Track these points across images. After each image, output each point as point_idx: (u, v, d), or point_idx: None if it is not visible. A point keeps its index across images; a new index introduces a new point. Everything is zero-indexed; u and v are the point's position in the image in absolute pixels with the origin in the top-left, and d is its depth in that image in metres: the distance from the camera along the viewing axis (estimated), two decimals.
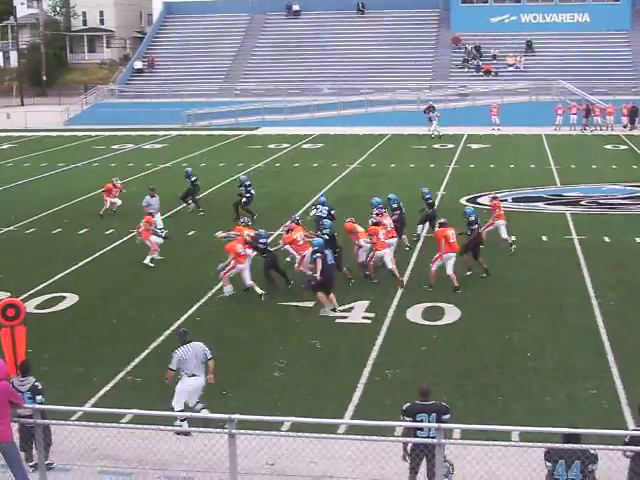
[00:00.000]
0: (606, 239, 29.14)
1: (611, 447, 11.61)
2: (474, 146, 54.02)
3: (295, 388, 17.41)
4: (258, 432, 12.60)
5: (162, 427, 12.95)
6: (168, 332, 20.68)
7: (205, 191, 38.21)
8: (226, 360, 18.94)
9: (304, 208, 33.15)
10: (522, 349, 19.25)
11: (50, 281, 25.34)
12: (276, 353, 19.32)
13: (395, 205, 27.97)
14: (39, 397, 13.50)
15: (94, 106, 76.99)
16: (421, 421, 12.32)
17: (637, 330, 20.28)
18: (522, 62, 75.23)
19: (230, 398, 16.88)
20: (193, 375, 15.40)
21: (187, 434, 14.66)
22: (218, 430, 12.56)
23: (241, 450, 12.61)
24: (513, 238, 27.98)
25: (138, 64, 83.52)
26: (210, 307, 22.70)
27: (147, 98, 75.85)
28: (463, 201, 35.62)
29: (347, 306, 22.32)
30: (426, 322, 21.15)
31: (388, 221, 25.71)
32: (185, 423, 14.98)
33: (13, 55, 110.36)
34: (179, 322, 21.38)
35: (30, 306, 22.04)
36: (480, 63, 75.79)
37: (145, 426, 13.03)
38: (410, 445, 12.41)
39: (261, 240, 23.93)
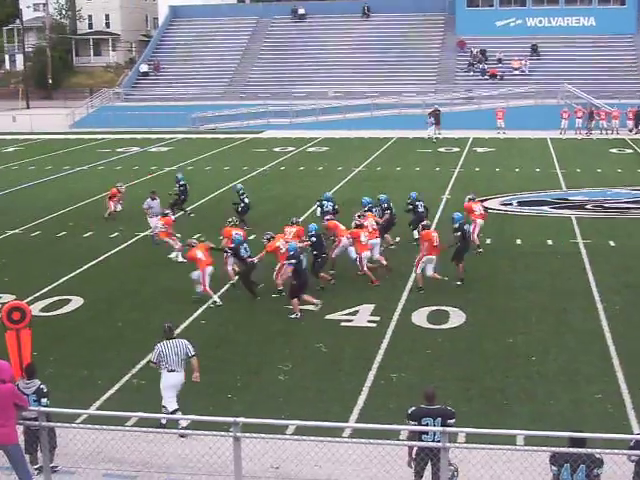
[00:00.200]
0: (611, 243, 29.12)
1: (616, 451, 11.60)
2: (479, 150, 54.01)
3: (300, 391, 17.41)
4: (263, 435, 12.59)
5: (167, 430, 12.96)
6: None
7: (211, 194, 38.24)
8: (231, 363, 19.00)
9: (309, 211, 33.12)
10: (526, 353, 19.24)
11: (55, 284, 25.37)
12: (281, 356, 19.33)
13: (385, 205, 28.18)
14: (44, 400, 13.51)
15: (100, 109, 77.06)
16: (426, 425, 12.31)
17: None
18: (527, 66, 75.17)
19: (235, 401, 16.90)
20: (172, 371, 15.52)
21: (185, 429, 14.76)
22: (223, 433, 12.57)
23: (246, 453, 12.62)
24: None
25: (144, 67, 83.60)
26: (215, 310, 22.70)
27: (153, 101, 75.90)
28: None
29: (352, 309, 22.33)
30: (431, 326, 21.15)
31: (370, 222, 25.90)
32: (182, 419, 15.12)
33: (19, 58, 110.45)
34: (184, 325, 21.40)
35: (35, 309, 22.10)
36: (485, 67, 75.74)
37: (150, 429, 13.05)
38: (415, 449, 12.41)
39: (240, 247, 23.86)
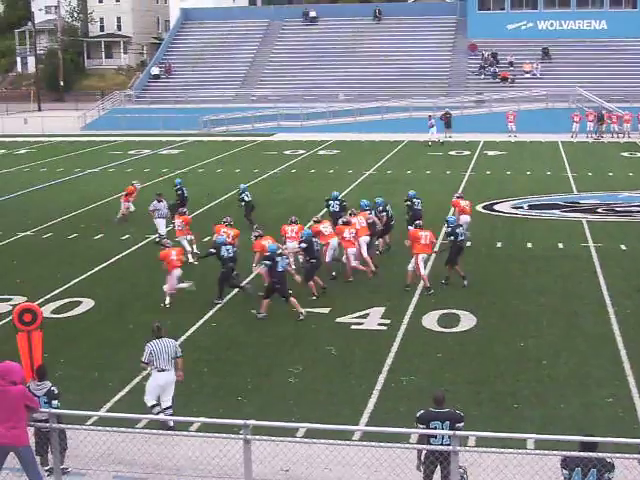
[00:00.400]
0: (622, 247, 29.05)
1: (627, 456, 11.57)
2: (490, 153, 53.96)
3: (310, 394, 17.41)
4: (273, 438, 12.60)
5: (177, 432, 12.97)
6: (184, 337, 20.73)
7: (221, 197, 38.31)
8: (241, 365, 19.01)
9: (320, 214, 33.08)
10: (537, 356, 19.21)
11: (66, 286, 25.43)
12: (291, 359, 19.33)
13: (380, 208, 28.27)
14: (55, 402, 13.53)
15: (111, 112, 77.16)
16: (435, 429, 12.31)
17: None
18: (539, 69, 75.02)
19: (245, 404, 16.91)
20: (163, 370, 15.64)
21: (171, 426, 14.94)
22: (233, 436, 12.58)
23: (256, 456, 12.63)
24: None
25: (155, 70, 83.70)
26: (226, 313, 22.72)
27: (164, 104, 75.99)
28: (479, 208, 35.58)
29: (363, 312, 22.33)
30: (442, 329, 21.12)
31: (357, 220, 26.22)
32: (161, 414, 15.36)
33: (31, 61, 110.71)
34: (195, 327, 21.44)
35: (47, 311, 22.14)
36: (497, 70, 75.63)
37: (160, 431, 13.06)
38: (424, 453, 12.40)
39: (222, 248, 23.79)
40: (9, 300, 23.87)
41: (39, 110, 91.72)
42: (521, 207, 35.90)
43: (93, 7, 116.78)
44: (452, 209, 30.57)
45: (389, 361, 19.07)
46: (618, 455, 11.31)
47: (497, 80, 74.77)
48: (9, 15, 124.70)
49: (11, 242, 31.37)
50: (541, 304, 22.97)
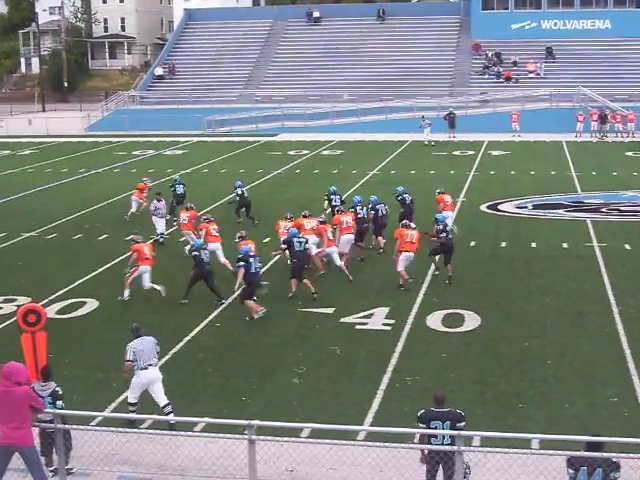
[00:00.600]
0: (627, 246, 29.03)
1: (632, 455, 11.56)
2: (494, 153, 53.94)
3: (315, 394, 17.40)
4: (278, 438, 12.60)
5: (182, 433, 12.97)
6: (188, 338, 20.75)
7: (225, 197, 38.30)
8: (245, 366, 19.01)
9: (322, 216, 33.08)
10: (542, 356, 19.20)
11: (71, 286, 25.45)
12: (295, 359, 19.33)
13: (370, 206, 28.54)
14: (59, 402, 13.54)
15: (115, 112, 77.24)
16: (435, 428, 12.32)
17: None
18: (543, 69, 75.03)
19: (249, 404, 16.91)
20: (147, 367, 15.85)
21: (132, 422, 14.93)
22: (237, 436, 12.57)
23: (261, 456, 12.63)
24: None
25: (159, 70, 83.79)
26: (230, 313, 22.72)
27: (168, 104, 76.05)
28: (483, 208, 35.59)
29: (367, 312, 22.33)
30: (446, 329, 21.12)
31: (345, 218, 26.73)
32: (134, 413, 15.51)
33: (35, 61, 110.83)
34: (199, 328, 21.45)
35: (51, 311, 22.17)
36: (501, 70, 75.64)
37: (165, 432, 13.06)
38: (426, 452, 12.41)
39: (201, 251, 23.86)
40: (14, 301, 23.89)
41: (43, 111, 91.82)
42: (525, 207, 35.87)
43: (97, 8, 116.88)
44: (440, 205, 30.44)
45: (393, 361, 19.07)
46: (623, 455, 11.29)
47: (501, 80, 74.79)
48: (13, 16, 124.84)
49: (15, 243, 31.40)
50: (545, 304, 22.96)
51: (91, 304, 23.73)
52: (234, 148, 59.25)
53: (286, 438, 12.75)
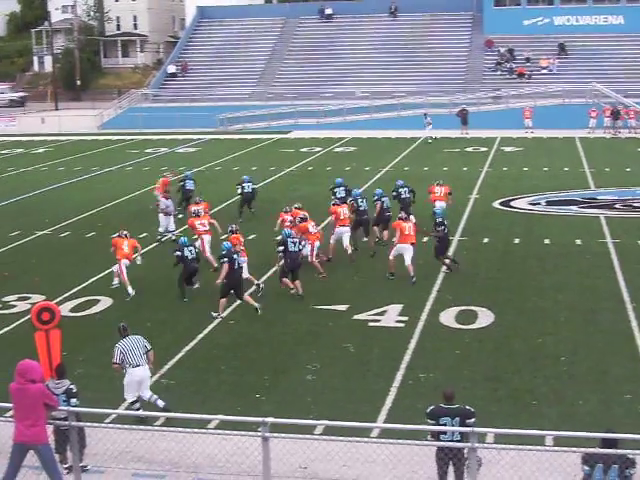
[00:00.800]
0: None
1: None
2: (507, 149, 53.85)
3: (328, 391, 17.41)
4: (291, 435, 12.60)
5: (195, 430, 12.99)
6: (201, 335, 20.79)
7: (238, 195, 38.26)
8: (259, 363, 19.03)
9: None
10: (555, 353, 19.17)
11: (84, 284, 25.51)
12: (309, 356, 19.35)
13: (375, 197, 29.06)
14: (73, 400, 13.57)
15: (128, 110, 77.37)
16: (444, 424, 12.35)
17: None
18: (555, 65, 74.88)
19: (263, 401, 16.93)
20: (137, 366, 16.06)
21: (143, 419, 15.11)
22: (251, 433, 12.59)
23: (274, 453, 12.63)
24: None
25: (171, 68, 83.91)
26: (243, 310, 22.73)
27: (180, 102, 76.17)
28: (496, 204, 35.53)
29: (380, 309, 22.33)
30: (459, 326, 21.10)
31: (341, 209, 27.47)
32: (140, 410, 15.86)
33: (48, 60, 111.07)
34: (212, 325, 21.47)
35: (65, 309, 22.21)
36: (513, 66, 75.53)
37: (178, 429, 13.08)
38: (436, 450, 12.44)
39: (185, 249, 24.07)
40: (27, 299, 23.97)
41: (56, 109, 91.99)
42: (538, 203, 35.80)
43: (109, 6, 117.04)
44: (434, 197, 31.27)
45: (407, 358, 19.07)
46: (638, 452, 11.26)
47: (514, 76, 74.67)
48: (26, 15, 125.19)
49: (29, 241, 31.49)
50: (559, 300, 22.92)
51: (105, 302, 23.78)
52: (247, 145, 59.29)
53: (300, 435, 12.75)
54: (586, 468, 11.15)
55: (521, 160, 48.73)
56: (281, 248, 23.87)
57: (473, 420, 12.41)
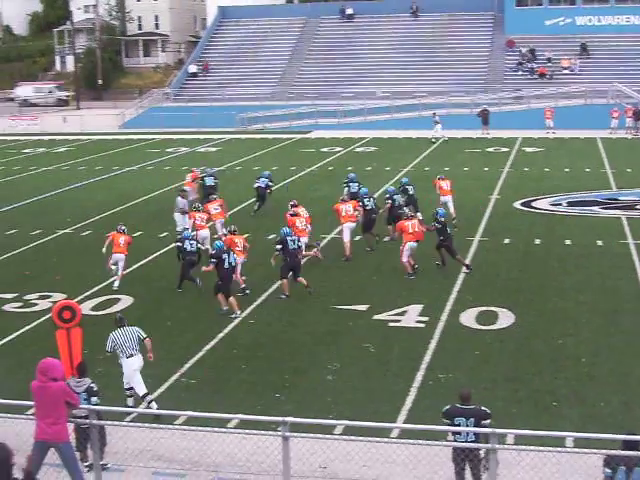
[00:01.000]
0: None
1: None
2: (528, 149, 53.67)
3: (348, 391, 17.41)
4: (311, 435, 12.61)
5: (216, 429, 13.00)
6: (222, 335, 20.82)
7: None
8: (279, 362, 19.05)
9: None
10: (576, 354, 19.10)
11: (105, 283, 25.57)
12: (329, 356, 19.35)
13: (387, 196, 29.82)
14: (94, 398, 13.64)
15: (149, 110, 77.57)
16: (459, 425, 12.36)
17: None
18: (577, 65, 74.60)
19: (283, 401, 16.94)
20: (131, 356, 16.40)
21: (157, 417, 15.38)
22: (271, 433, 12.60)
23: (294, 453, 12.64)
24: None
25: (192, 68, 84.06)
26: (263, 309, 22.78)
27: (201, 102, 76.28)
28: (517, 205, 35.42)
29: (400, 310, 22.31)
30: (480, 326, 21.06)
31: (345, 206, 28.00)
32: (153, 403, 16.27)
33: (70, 59, 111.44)
34: (233, 324, 21.50)
35: (86, 308, 22.28)
36: (534, 66, 75.27)
37: (199, 428, 13.10)
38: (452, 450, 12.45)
39: (186, 241, 24.73)
40: (49, 297, 24.07)
41: (78, 109, 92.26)
42: (560, 204, 35.67)
43: (131, 6, 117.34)
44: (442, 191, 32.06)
45: (427, 358, 19.04)
46: None
47: (535, 76, 74.41)
48: (48, 14, 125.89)
49: (50, 240, 31.62)
50: (580, 301, 22.84)
51: (125, 301, 23.85)
52: (267, 145, 59.34)
53: (320, 435, 12.76)
54: (607, 470, 11.10)
55: (542, 160, 48.58)
56: (279, 247, 24.01)
57: (488, 421, 12.41)
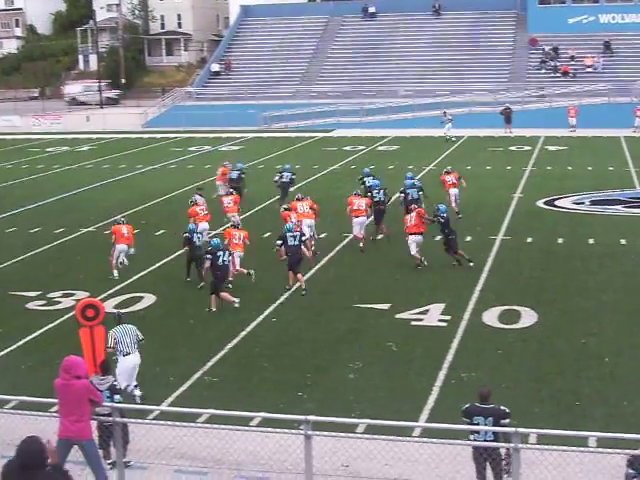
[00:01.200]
0: None
1: None
2: (551, 148, 53.50)
3: (370, 390, 17.41)
4: (333, 434, 12.62)
5: (238, 427, 13.03)
6: (244, 333, 20.85)
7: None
8: (301, 361, 19.06)
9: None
10: (599, 354, 19.03)
11: (128, 281, 25.67)
12: (351, 355, 19.35)
13: (402, 189, 30.71)
14: (117, 396, 13.69)
15: (172, 108, 77.79)
16: (477, 424, 12.37)
17: None
18: (600, 63, 74.29)
19: (305, 399, 16.95)
20: (128, 354, 16.53)
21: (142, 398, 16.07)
22: (294, 431, 12.62)
23: (316, 451, 12.64)
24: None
25: (215, 67, 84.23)
26: (286, 308, 22.81)
27: (224, 100, 76.45)
28: (540, 204, 35.31)
29: (423, 308, 22.29)
30: (502, 325, 21.01)
31: (358, 201, 28.66)
32: (136, 390, 16.67)
33: (93, 58, 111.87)
34: (255, 323, 21.53)
35: (109, 306, 22.33)
36: (558, 64, 75.02)
37: (222, 426, 13.12)
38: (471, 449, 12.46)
39: (194, 234, 25.35)
40: (72, 295, 24.17)
41: (101, 107, 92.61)
42: (583, 203, 35.55)
43: (154, 5, 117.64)
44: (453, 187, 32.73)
45: (449, 357, 19.02)
46: None
47: (558, 75, 74.15)
48: (71, 13, 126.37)
49: (74, 238, 31.77)
50: (603, 301, 22.75)
51: (148, 299, 23.92)
52: (290, 144, 59.39)
53: (342, 434, 12.76)
54: (630, 471, 11.05)
55: (565, 159, 48.40)
56: (279, 242, 24.32)
57: (508, 421, 12.39)
